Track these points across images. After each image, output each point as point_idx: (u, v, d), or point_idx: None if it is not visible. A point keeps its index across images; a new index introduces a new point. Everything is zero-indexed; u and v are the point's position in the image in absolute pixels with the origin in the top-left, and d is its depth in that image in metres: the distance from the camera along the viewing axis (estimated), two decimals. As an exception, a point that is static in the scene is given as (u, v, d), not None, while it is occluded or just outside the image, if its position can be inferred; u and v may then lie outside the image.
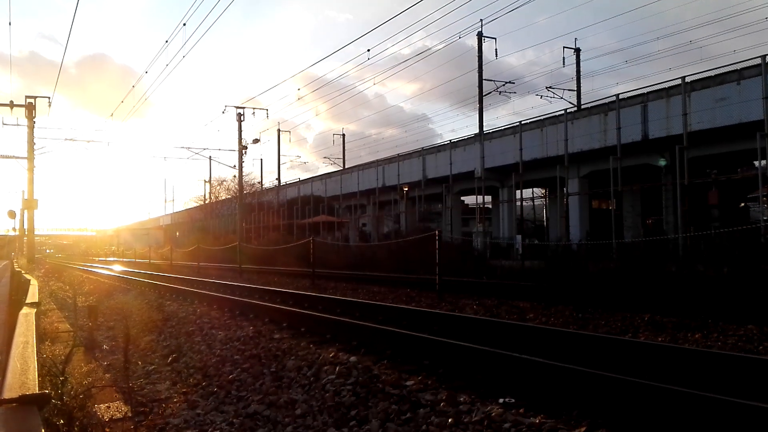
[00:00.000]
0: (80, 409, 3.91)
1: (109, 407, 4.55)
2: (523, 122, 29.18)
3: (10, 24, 32.51)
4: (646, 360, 5.29)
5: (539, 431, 3.41)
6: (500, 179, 33.39)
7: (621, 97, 24.50)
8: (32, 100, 30.00)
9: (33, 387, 1.94)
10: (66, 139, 34.89)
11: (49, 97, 30.81)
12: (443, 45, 64.20)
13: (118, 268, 30.35)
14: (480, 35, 30.04)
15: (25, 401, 1.77)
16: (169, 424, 4.54)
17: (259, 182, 56.78)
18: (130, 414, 4.42)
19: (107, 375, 5.93)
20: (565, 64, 35.41)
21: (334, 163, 55.59)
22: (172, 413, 4.86)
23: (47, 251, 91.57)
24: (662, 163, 24.27)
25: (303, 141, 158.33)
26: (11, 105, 29.56)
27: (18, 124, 30.59)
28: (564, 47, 35.46)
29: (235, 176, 41.59)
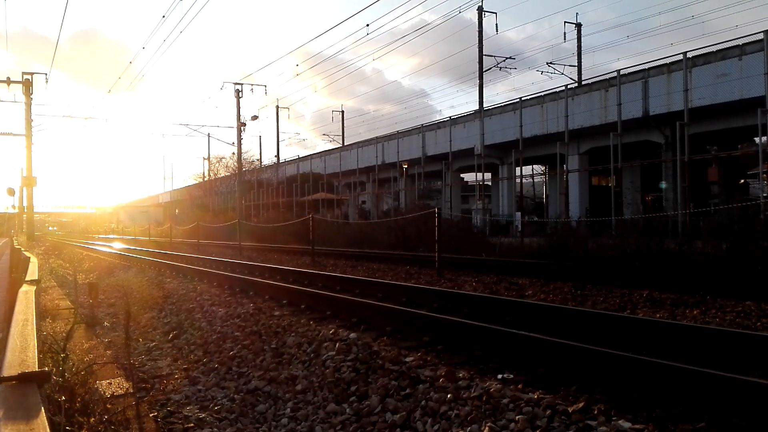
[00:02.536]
0: (82, 386, 3.93)
1: (110, 383, 4.58)
2: (523, 98, 29.04)
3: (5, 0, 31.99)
4: (645, 336, 5.32)
5: (537, 406, 3.43)
6: (500, 156, 33.30)
7: (622, 72, 24.33)
8: (29, 77, 29.75)
9: (33, 365, 1.94)
10: (64, 116, 34.70)
11: (46, 74, 30.58)
12: (443, 20, 63.52)
13: (117, 245, 30.41)
14: (480, 10, 29.70)
15: (24, 379, 1.77)
16: (170, 400, 4.57)
17: (257, 159, 56.61)
18: (131, 390, 4.45)
19: (108, 352, 5.96)
20: (566, 39, 35.11)
21: (333, 140, 55.39)
22: (173, 389, 4.90)
23: (50, 228, 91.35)
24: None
25: (300, 118, 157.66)
26: (8, 81, 29.31)
27: (15, 101, 30.37)
28: (565, 22, 35.15)
29: (233, 153, 41.47)
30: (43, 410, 1.58)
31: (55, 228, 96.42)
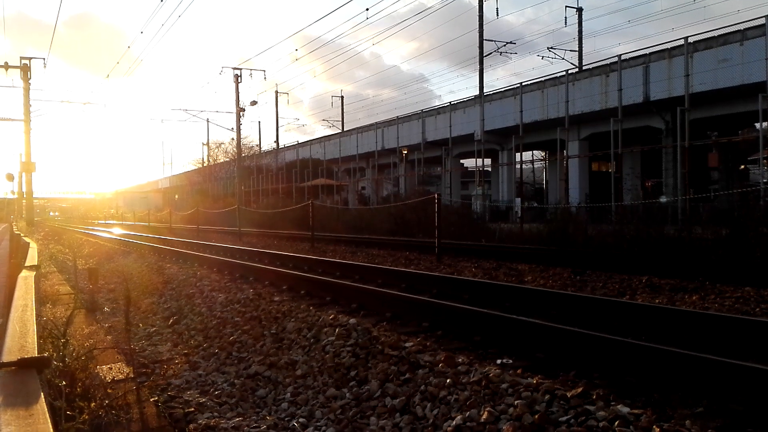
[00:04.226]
0: (82, 371, 3.94)
1: (111, 368, 4.60)
2: (523, 84, 28.92)
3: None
4: (644, 322, 5.33)
5: (536, 391, 3.44)
6: (500, 142, 33.21)
7: (623, 57, 24.20)
8: (27, 62, 29.58)
9: (32, 350, 1.95)
10: (62, 101, 34.61)
11: (44, 59, 30.44)
12: (442, 4, 63.04)
13: (117, 231, 30.41)
14: (481, -6, 29.45)
15: (24, 365, 1.77)
16: (171, 385, 4.59)
17: (257, 145, 56.50)
18: (132, 375, 4.46)
19: (109, 337, 5.97)
20: (567, 23, 34.90)
21: (333, 126, 55.23)
22: (173, 374, 4.92)
23: (51, 214, 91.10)
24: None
25: (299, 103, 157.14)
26: (6, 66, 29.14)
27: (13, 86, 30.21)
28: (566, 6, 34.90)
29: (233, 139, 41.36)
30: (42, 395, 1.58)
31: (57, 213, 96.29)
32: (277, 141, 54.05)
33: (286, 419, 3.96)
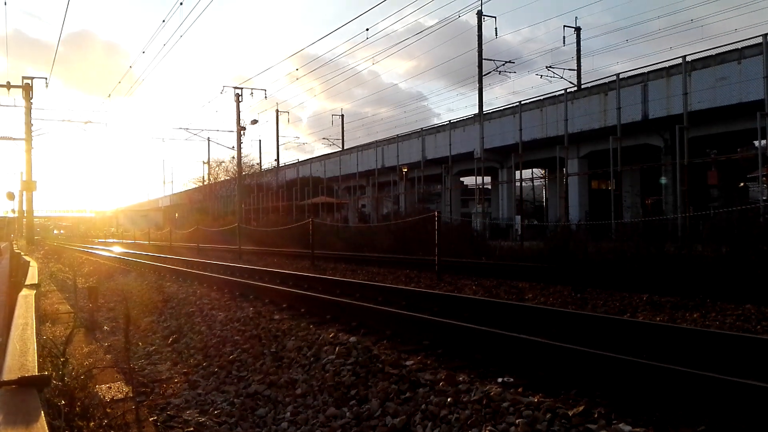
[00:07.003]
0: (81, 390, 3.93)
1: (110, 388, 4.58)
2: (522, 102, 29.11)
3: (5, 4, 31.45)
4: (645, 340, 5.32)
5: (537, 409, 3.43)
6: (500, 160, 33.34)
7: (621, 76, 24.38)
8: (29, 81, 29.82)
9: (32, 369, 1.94)
10: (63, 120, 34.82)
11: (46, 78, 30.64)
12: (441, 25, 63.66)
13: (117, 249, 30.38)
14: (480, 14, 29.74)
15: (24, 383, 1.77)
16: (170, 404, 4.57)
17: (257, 163, 56.67)
18: (131, 394, 4.44)
19: (108, 356, 5.95)
20: (566, 42, 35.20)
21: (333, 144, 55.44)
22: (173, 393, 4.90)
23: (54, 232, 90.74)
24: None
25: (298, 121, 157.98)
26: (8, 86, 29.37)
27: (15, 105, 30.42)
28: (564, 26, 35.26)
29: (233, 157, 41.51)
30: (42, 414, 1.58)
31: (61, 231, 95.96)
32: (277, 159, 54.25)
33: (286, 439, 3.93)
